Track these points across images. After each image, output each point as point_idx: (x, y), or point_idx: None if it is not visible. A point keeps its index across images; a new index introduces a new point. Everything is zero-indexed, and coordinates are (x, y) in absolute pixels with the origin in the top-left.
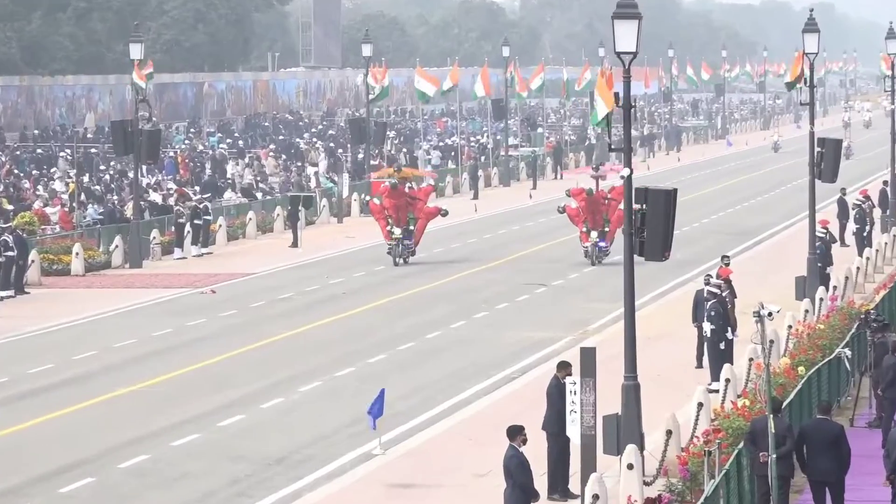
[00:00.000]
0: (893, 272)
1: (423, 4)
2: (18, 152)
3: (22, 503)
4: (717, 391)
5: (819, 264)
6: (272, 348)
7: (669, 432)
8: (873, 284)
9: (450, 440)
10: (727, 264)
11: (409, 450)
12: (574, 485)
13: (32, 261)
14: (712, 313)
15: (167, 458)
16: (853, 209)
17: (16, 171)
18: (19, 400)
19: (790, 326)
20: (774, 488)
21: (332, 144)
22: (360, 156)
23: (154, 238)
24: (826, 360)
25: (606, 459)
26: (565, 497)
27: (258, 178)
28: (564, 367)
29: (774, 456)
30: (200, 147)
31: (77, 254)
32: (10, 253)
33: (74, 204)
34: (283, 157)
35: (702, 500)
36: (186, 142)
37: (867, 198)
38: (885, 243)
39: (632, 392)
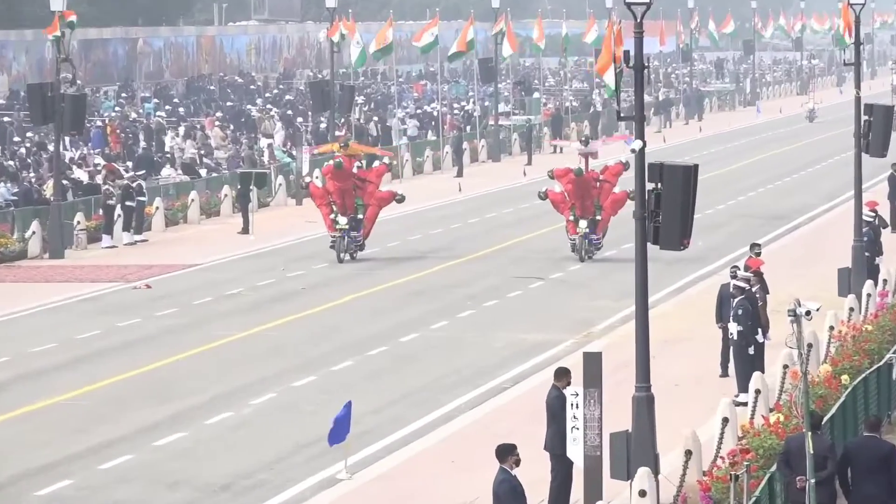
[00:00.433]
0: None
1: None
2: None
3: None
4: (745, 404)
5: (867, 253)
6: (218, 353)
7: (689, 453)
8: None
9: (429, 462)
10: (758, 254)
11: (380, 474)
12: None
13: None
14: (739, 312)
15: (93, 484)
16: None
17: None
18: None
19: (832, 327)
20: None
21: (289, 112)
22: (323, 125)
23: (78, 223)
24: (874, 367)
25: (614, 485)
26: None
27: (202, 152)
28: (563, 375)
29: (813, 481)
30: (134, 115)
31: None
32: None
33: None
34: (232, 126)
35: None
36: (117, 109)
37: None
38: None
39: (644, 405)
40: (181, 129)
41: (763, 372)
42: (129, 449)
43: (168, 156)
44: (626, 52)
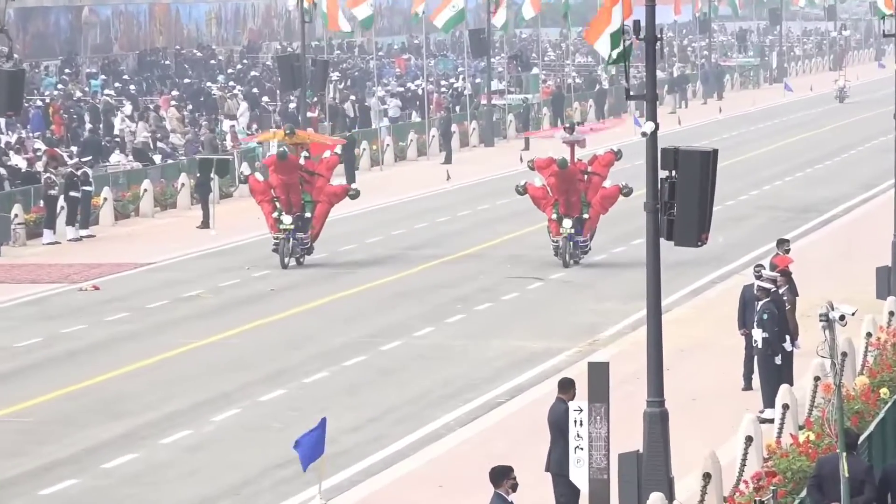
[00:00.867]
0: None
1: None
2: None
3: None
4: (771, 421)
5: None
6: (175, 364)
7: (708, 476)
8: None
9: (414, 487)
10: (786, 251)
11: (358, 500)
12: None
13: None
14: (765, 317)
15: None
16: None
17: None
18: None
19: (869, 334)
20: None
21: (255, 90)
22: (293, 105)
23: (16, 216)
24: None
25: None
26: None
27: (156, 136)
28: (569, 387)
29: None
30: (78, 94)
31: None
32: None
33: None
34: (190, 107)
35: None
36: (59, 87)
37: None
38: None
39: (657, 422)
40: (132, 110)
41: (791, 384)
42: (75, 472)
43: (117, 140)
44: (637, 22)
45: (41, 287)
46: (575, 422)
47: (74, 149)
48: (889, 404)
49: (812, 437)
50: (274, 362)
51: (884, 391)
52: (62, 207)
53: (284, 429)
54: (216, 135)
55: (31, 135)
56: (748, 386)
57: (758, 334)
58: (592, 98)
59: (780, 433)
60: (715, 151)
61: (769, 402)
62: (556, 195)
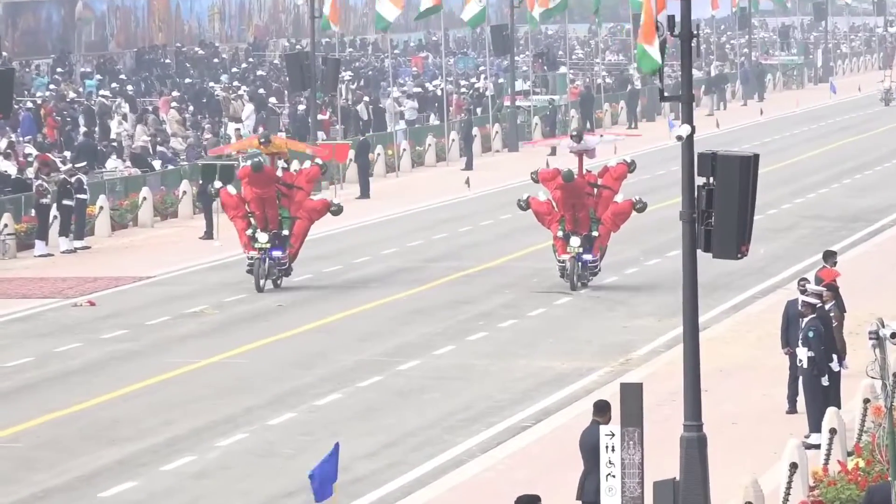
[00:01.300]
0: None
1: None
2: None
3: None
4: (817, 446)
5: None
6: (176, 385)
7: None
8: None
9: None
10: (833, 264)
11: None
12: None
13: None
14: (810, 335)
15: None
16: None
17: None
18: None
19: None
20: None
21: (261, 91)
22: (302, 107)
23: (5, 227)
24: None
25: None
26: None
27: (156, 140)
28: (606, 409)
29: None
30: (72, 95)
31: None
32: None
33: None
34: (192, 109)
35: None
36: (52, 87)
37: None
38: None
39: (695, 447)
40: (129, 112)
41: (839, 407)
42: (69, 502)
43: (114, 144)
44: (671, 18)
45: (33, 302)
46: (606, 447)
47: (68, 154)
48: None
49: (861, 463)
50: (283, 383)
51: None
52: (55, 217)
53: (295, 455)
54: (220, 139)
55: (21, 139)
56: (793, 409)
57: (803, 353)
58: (624, 99)
59: (827, 460)
60: (756, 156)
61: (815, 426)
62: (562, 210)
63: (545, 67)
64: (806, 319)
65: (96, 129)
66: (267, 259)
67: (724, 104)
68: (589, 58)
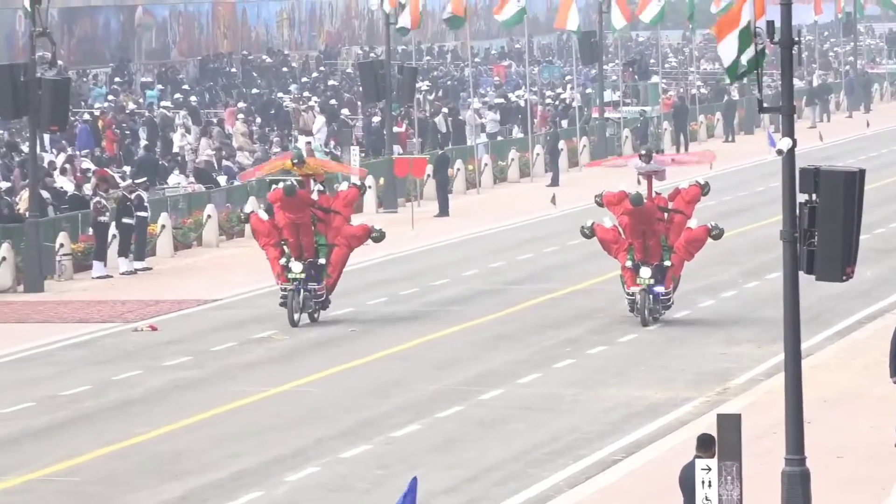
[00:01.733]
0: None
1: None
2: None
3: None
4: None
5: None
6: (243, 415)
7: None
8: None
9: None
10: None
11: None
12: None
13: None
14: None
15: None
16: None
17: None
18: None
19: None
20: None
21: (333, 102)
22: (377, 119)
23: (62, 246)
24: None
25: None
26: None
27: (221, 154)
28: (707, 444)
29: None
30: (132, 106)
31: None
32: None
33: None
34: (259, 121)
35: None
36: (110, 98)
37: None
38: None
39: (797, 483)
40: (195, 126)
41: None
42: None
43: (177, 159)
44: (770, 24)
45: (90, 327)
46: (703, 482)
47: (127, 169)
48: None
49: None
50: (356, 413)
51: None
52: (114, 236)
53: (369, 490)
54: (289, 153)
55: (78, 153)
56: None
57: None
58: (720, 111)
59: None
60: (862, 172)
61: None
62: (630, 238)
63: (636, 76)
64: None
65: (158, 142)
66: (302, 291)
67: (827, 116)
68: (683, 66)
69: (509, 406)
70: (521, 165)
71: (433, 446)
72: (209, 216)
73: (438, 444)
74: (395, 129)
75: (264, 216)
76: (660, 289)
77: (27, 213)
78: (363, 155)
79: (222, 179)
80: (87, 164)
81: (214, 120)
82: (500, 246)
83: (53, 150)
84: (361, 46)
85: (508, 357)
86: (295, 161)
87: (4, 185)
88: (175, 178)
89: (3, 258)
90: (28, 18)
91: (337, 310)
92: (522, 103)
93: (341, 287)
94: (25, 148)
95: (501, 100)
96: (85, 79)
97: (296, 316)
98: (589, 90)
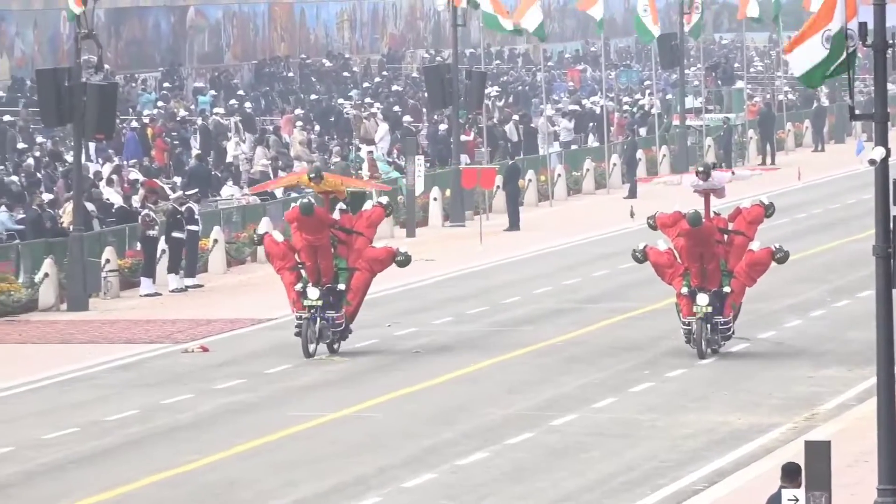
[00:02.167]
0: None
1: None
2: None
3: None
4: None
5: None
6: (299, 441)
7: None
8: None
9: None
10: None
11: None
12: None
13: None
14: None
15: None
16: None
17: None
18: None
19: None
20: None
21: (397, 109)
22: (443, 127)
23: (108, 262)
24: None
25: None
26: None
27: (277, 164)
28: (793, 474)
29: None
30: (183, 113)
31: None
32: None
33: None
34: (318, 128)
35: None
36: (160, 104)
37: None
38: None
39: None
40: (250, 134)
41: None
42: None
43: (231, 169)
44: (863, 25)
45: (138, 348)
46: None
47: (178, 180)
48: None
49: None
50: (420, 440)
51: None
52: (163, 251)
53: None
54: (349, 163)
55: (125, 163)
56: None
57: None
58: (809, 118)
59: None
60: None
61: None
62: (686, 262)
63: (719, 82)
64: None
65: (210, 151)
66: (319, 319)
67: None
68: (769, 70)
69: (583, 433)
70: (597, 176)
71: (502, 475)
72: (266, 230)
73: (508, 473)
74: (463, 137)
75: (279, 237)
76: (718, 318)
77: (71, 227)
78: (428, 165)
79: (278, 191)
80: (134, 174)
81: (270, 128)
82: (574, 262)
83: (99, 160)
84: (427, 49)
85: (582, 380)
86: (312, 176)
87: (47, 197)
88: (228, 190)
89: (46, 275)
90: (75, 21)
91: (400, 329)
92: (598, 110)
93: (404, 306)
94: (70, 158)
95: (576, 106)
96: (133, 84)
97: (311, 347)
98: (669, 96)
